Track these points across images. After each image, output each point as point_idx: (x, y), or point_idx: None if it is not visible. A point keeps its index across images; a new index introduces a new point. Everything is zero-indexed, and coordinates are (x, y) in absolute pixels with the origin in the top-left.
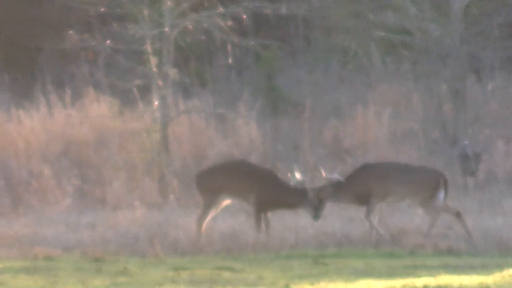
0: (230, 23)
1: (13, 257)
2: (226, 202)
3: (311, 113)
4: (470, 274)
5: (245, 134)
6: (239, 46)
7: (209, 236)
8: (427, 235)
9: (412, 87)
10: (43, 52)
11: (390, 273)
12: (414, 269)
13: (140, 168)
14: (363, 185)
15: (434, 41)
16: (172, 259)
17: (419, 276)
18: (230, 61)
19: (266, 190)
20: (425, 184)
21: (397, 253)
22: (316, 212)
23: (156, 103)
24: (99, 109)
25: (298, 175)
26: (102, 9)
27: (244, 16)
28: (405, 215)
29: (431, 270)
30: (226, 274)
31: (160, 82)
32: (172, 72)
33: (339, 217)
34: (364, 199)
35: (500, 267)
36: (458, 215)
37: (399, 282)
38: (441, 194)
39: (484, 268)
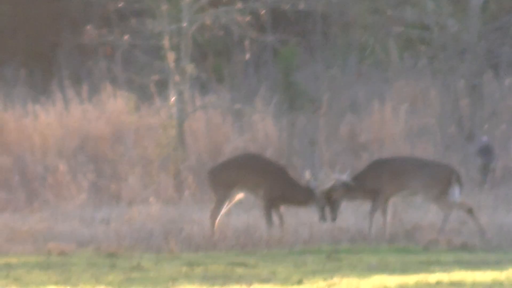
0: (248, 18)
1: (28, 253)
2: (239, 196)
3: (328, 109)
4: (483, 270)
5: (262, 129)
6: (257, 41)
7: (223, 232)
8: (441, 231)
9: (429, 82)
10: (61, 47)
11: (404, 269)
12: (428, 265)
13: (156, 164)
14: (376, 180)
15: (452, 37)
16: (186, 254)
17: (433, 272)
18: (247, 56)
19: (275, 185)
20: (437, 179)
21: (411, 248)
22: (323, 214)
23: (173, 98)
24: (116, 104)
25: (308, 175)
26: (121, 5)
27: (262, 12)
28: (419, 211)
29: (445, 266)
30: (240, 270)
31: (177, 78)
32: (190, 68)
33: (353, 213)
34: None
35: None
36: (470, 211)
37: (412, 278)
38: (454, 190)
39: (498, 264)
